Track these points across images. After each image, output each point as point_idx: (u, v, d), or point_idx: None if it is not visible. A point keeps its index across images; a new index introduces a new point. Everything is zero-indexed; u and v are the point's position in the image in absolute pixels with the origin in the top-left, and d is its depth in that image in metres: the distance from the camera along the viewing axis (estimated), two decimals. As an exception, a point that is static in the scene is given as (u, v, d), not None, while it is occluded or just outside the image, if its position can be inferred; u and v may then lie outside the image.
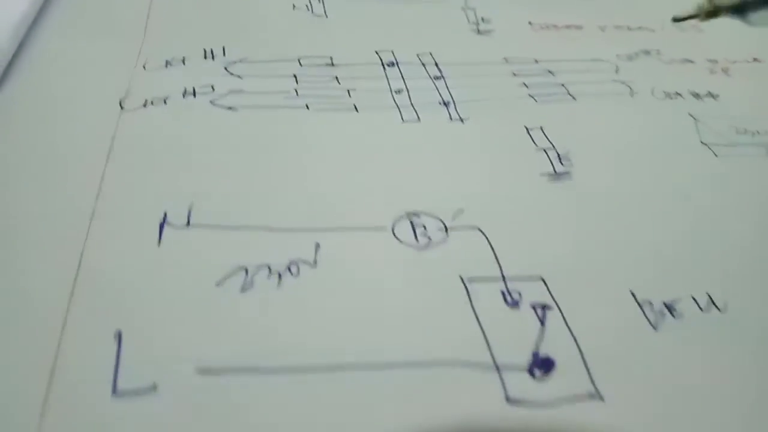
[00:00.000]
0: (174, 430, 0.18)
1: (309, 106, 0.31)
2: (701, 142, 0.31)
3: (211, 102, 0.30)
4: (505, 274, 0.24)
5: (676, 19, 0.21)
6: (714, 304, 0.23)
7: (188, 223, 0.24)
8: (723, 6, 0.22)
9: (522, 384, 0.20)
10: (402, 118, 0.31)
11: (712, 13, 0.21)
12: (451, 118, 0.31)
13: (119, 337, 0.20)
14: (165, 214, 0.24)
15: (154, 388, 0.19)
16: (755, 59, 0.39)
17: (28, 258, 0.23)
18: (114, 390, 0.19)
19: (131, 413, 0.19)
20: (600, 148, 0.30)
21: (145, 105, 0.29)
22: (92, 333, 0.20)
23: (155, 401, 0.19)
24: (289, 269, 0.23)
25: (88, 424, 0.18)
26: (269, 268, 0.23)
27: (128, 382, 0.19)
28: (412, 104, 0.32)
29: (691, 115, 0.33)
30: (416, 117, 0.31)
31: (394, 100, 0.32)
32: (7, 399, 0.19)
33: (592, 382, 0.21)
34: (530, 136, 0.30)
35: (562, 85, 0.34)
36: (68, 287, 0.22)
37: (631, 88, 0.35)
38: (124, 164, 0.26)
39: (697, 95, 0.35)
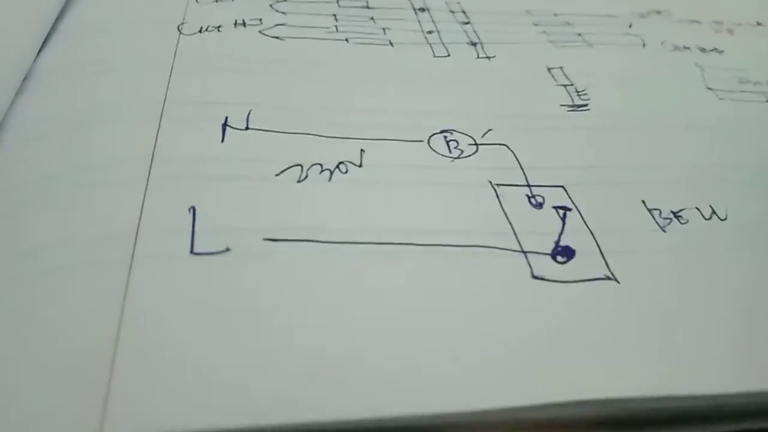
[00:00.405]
0: (244, 285, 0.21)
1: (348, 39, 0.33)
2: (707, 87, 0.34)
3: (259, 32, 0.33)
4: (530, 183, 0.26)
5: None
6: (715, 213, 0.26)
7: (247, 127, 0.27)
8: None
9: (546, 266, 0.23)
10: (434, 54, 0.34)
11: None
12: (478, 56, 0.34)
13: (194, 211, 0.23)
14: (226, 118, 0.27)
15: (227, 250, 0.22)
16: (758, 23, 0.42)
17: (105, 151, 0.25)
18: (191, 251, 0.22)
19: (207, 269, 0.21)
20: (614, 86, 0.33)
21: (200, 31, 0.32)
22: (169, 208, 0.23)
23: (228, 260, 0.22)
24: (339, 167, 0.26)
25: (169, 279, 0.21)
26: (321, 166, 0.26)
27: (203, 246, 0.22)
28: (442, 42, 0.35)
29: (698, 65, 0.36)
30: (446, 53, 0.34)
31: (426, 39, 0.35)
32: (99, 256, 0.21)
33: (608, 267, 0.23)
34: (551, 74, 0.33)
35: (579, 34, 0.37)
36: (144, 172, 0.24)
37: (643, 41, 0.37)
38: (186, 77, 0.29)
39: (703, 49, 0.38)
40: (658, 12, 0.41)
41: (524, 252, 0.23)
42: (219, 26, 0.33)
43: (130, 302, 0.20)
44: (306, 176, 0.25)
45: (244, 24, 0.33)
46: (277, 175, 0.25)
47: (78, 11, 0.33)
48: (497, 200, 0.25)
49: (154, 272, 0.21)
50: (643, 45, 0.37)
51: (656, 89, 0.33)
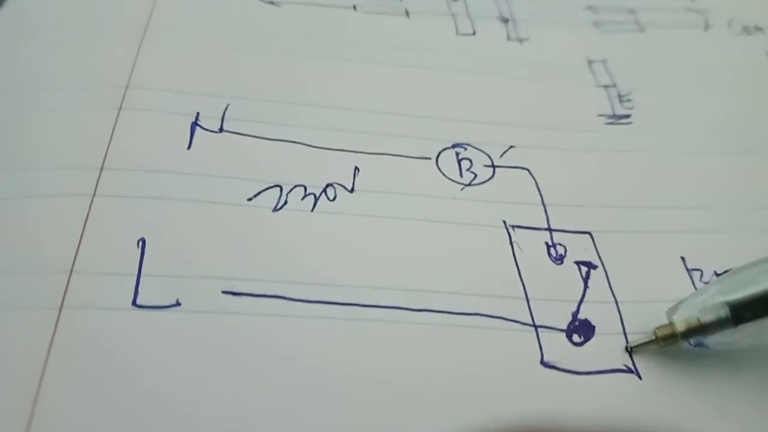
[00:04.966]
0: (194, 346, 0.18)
1: (356, 7, 0.28)
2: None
3: (253, -8, 0.28)
4: (551, 225, 0.22)
5: (633, 348, 0.19)
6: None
7: (221, 128, 0.22)
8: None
9: (559, 347, 0.19)
10: (456, 30, 0.28)
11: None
12: (509, 37, 0.29)
13: (143, 245, 0.19)
14: (197, 115, 0.22)
15: (177, 304, 0.18)
16: None
17: (51, 152, 0.21)
18: (134, 302, 0.18)
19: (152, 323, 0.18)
20: (664, 89, 0.28)
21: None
22: (113, 238, 0.19)
23: (177, 316, 0.18)
24: (326, 192, 0.21)
25: (106, 331, 0.18)
26: (305, 189, 0.21)
27: (149, 296, 0.18)
28: (468, 14, 0.29)
29: None
30: (472, 30, 0.29)
31: (450, 8, 0.29)
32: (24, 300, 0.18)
33: (631, 354, 0.20)
34: (592, 69, 0.28)
35: (632, 11, 0.31)
36: (89, 188, 0.20)
37: (706, 20, 0.32)
38: (156, 55, 0.24)
39: None
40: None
41: (536, 326, 0.20)
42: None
43: (48, 380, 0.17)
44: (285, 202, 0.21)
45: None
46: (250, 199, 0.21)
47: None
48: (511, 249, 0.21)
49: (83, 330, 0.17)
50: (706, 27, 0.31)
51: (713, 94, 0.28)
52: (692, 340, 0.19)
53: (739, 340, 0.19)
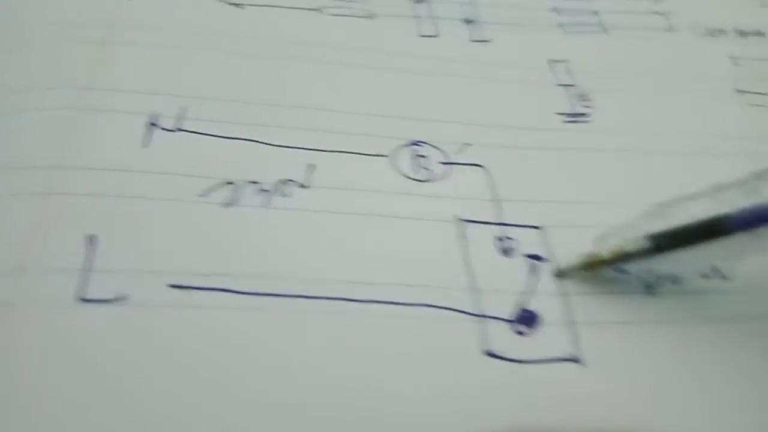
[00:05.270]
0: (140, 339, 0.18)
1: (322, 9, 0.29)
2: (736, 90, 0.29)
3: (217, -4, 0.28)
4: (503, 220, 0.22)
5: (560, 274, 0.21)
6: (719, 271, 0.22)
7: (179, 127, 0.23)
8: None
9: (504, 337, 0.20)
10: (419, 32, 0.29)
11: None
12: (471, 39, 0.29)
13: (91, 242, 0.19)
14: (156, 115, 0.23)
15: (123, 298, 0.18)
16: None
17: (7, 152, 0.21)
18: (82, 296, 0.18)
19: (99, 319, 0.18)
20: (624, 90, 0.28)
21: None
22: (62, 235, 0.20)
23: (124, 309, 0.18)
24: (279, 188, 0.22)
25: (53, 327, 0.18)
26: (258, 185, 0.22)
27: (96, 290, 0.19)
28: (432, 16, 0.30)
29: (731, 58, 0.31)
30: (435, 32, 0.29)
31: (413, 10, 0.30)
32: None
33: (575, 344, 0.20)
34: (552, 70, 0.28)
35: (596, 13, 0.32)
36: (40, 184, 0.21)
37: (670, 22, 0.32)
38: (118, 52, 0.25)
39: (742, 33, 0.32)
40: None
41: (481, 317, 0.20)
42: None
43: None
44: (237, 199, 0.21)
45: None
46: (201, 195, 0.21)
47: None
48: (461, 243, 0.22)
49: (32, 325, 0.18)
50: (669, 28, 0.32)
51: (672, 96, 0.28)
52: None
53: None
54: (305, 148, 0.23)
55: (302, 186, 0.22)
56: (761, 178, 0.20)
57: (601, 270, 0.21)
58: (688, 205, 0.20)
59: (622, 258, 0.20)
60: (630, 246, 0.20)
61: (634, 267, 0.21)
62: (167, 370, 0.18)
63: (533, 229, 0.22)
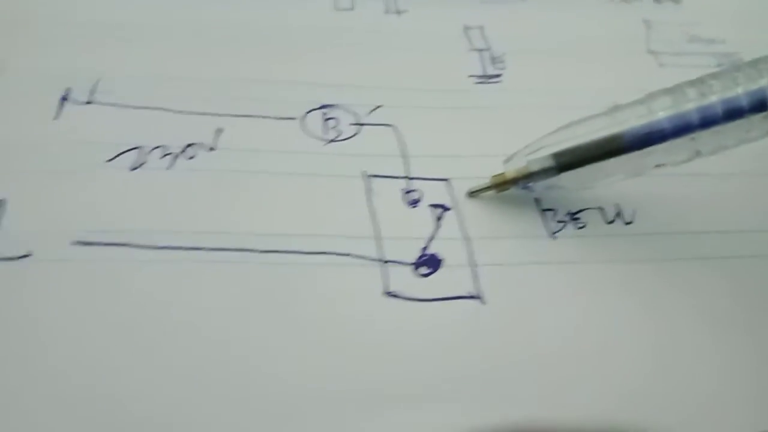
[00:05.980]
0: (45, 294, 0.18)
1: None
2: (648, 51, 0.30)
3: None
4: (410, 174, 0.23)
5: (471, 194, 0.22)
6: (621, 215, 0.23)
7: (90, 100, 0.23)
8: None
9: (405, 279, 0.20)
10: (335, 5, 0.30)
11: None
12: (387, 11, 0.30)
13: (3, 204, 0.20)
14: (68, 89, 0.23)
15: (27, 255, 0.19)
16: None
17: None
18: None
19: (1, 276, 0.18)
20: (538, 52, 0.29)
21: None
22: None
23: (27, 265, 0.19)
24: (186, 151, 0.22)
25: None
26: (164, 149, 0.22)
27: (2, 249, 0.19)
28: (349, -9, 0.30)
29: (645, 21, 0.31)
30: (351, 5, 0.30)
31: (331, -15, 0.31)
32: None
33: (475, 283, 0.20)
34: (467, 35, 0.29)
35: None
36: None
37: (588, -12, 0.33)
38: (32, 34, 0.25)
39: None
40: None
41: (383, 261, 0.20)
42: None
43: None
44: (143, 162, 0.22)
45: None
46: (109, 160, 0.22)
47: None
48: (367, 196, 0.22)
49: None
50: (587, -5, 0.33)
51: (585, 58, 0.29)
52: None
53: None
54: (212, 113, 0.24)
55: (211, 149, 0.23)
56: (654, 98, 0.21)
57: (508, 189, 0.22)
58: (589, 124, 0.21)
59: (528, 177, 0.21)
60: (535, 165, 0.21)
61: (540, 185, 0.22)
62: (70, 322, 0.18)
63: (440, 182, 0.23)
